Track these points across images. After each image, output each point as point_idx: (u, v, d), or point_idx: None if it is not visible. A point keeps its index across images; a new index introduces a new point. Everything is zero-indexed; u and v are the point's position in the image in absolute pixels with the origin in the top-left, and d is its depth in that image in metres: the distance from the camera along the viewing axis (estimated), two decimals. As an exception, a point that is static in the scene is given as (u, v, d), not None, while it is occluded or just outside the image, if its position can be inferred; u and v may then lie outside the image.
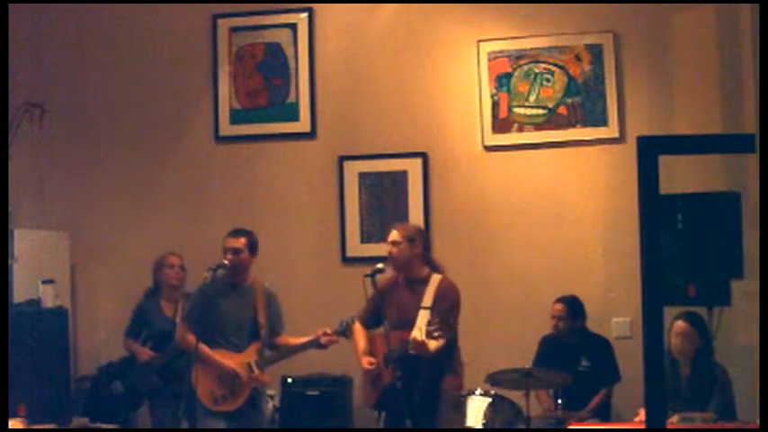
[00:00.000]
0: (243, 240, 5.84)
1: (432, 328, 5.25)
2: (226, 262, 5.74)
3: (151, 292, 6.58)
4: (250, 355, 5.78)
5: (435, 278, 5.60)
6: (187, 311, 5.92)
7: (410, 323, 5.47)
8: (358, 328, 5.73)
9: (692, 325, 5.58)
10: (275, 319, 5.96)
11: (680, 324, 5.60)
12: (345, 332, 5.74)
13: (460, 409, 5.66)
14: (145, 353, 6.39)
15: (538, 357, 6.30)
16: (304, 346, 5.84)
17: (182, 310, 6.32)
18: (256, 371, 5.75)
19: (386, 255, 5.65)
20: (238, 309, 5.83)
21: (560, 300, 6.30)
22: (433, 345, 5.34)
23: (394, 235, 5.62)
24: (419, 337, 5.31)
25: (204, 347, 5.69)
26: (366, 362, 5.59)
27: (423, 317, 5.45)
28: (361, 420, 6.74)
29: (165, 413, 6.19)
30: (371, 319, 5.71)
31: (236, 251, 5.80)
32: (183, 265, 6.52)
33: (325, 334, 5.73)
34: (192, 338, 5.71)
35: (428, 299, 5.53)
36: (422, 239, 5.70)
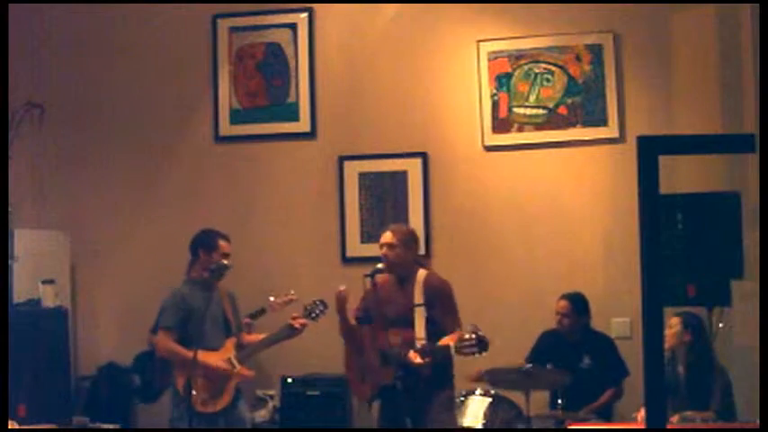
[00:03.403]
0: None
1: (465, 344, 5.07)
2: (225, 262, 5.75)
3: None
4: (228, 351, 5.79)
5: (421, 273, 5.53)
6: (166, 318, 5.77)
7: (405, 321, 5.41)
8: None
9: (683, 321, 5.58)
10: (239, 317, 6.01)
11: (671, 322, 5.60)
12: (311, 315, 5.83)
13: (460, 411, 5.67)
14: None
15: (533, 352, 6.23)
16: (279, 335, 5.86)
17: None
18: (237, 366, 5.77)
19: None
20: (211, 308, 5.78)
21: (565, 296, 6.24)
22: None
23: (388, 237, 5.54)
24: (415, 360, 5.19)
25: (187, 351, 5.60)
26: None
27: (420, 314, 5.39)
28: (361, 420, 6.74)
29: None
30: (365, 318, 5.69)
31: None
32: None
33: (294, 318, 5.80)
34: (176, 345, 5.68)
35: (419, 296, 5.46)
36: (417, 242, 5.66)
